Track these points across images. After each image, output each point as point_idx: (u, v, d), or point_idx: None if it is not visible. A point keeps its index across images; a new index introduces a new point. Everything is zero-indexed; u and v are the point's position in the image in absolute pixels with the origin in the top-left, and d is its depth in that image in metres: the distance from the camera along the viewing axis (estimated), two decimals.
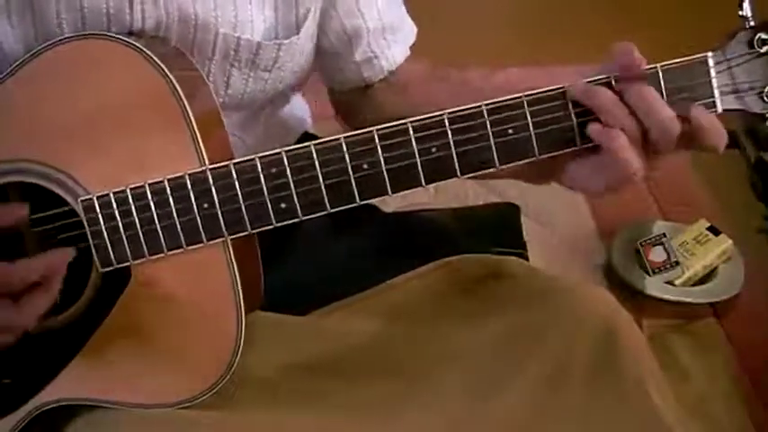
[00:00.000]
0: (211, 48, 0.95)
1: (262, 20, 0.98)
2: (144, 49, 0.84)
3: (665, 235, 1.89)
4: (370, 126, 1.09)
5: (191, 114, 0.84)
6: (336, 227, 1.07)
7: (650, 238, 1.89)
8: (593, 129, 0.82)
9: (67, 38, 0.86)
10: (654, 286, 1.83)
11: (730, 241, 1.89)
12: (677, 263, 1.86)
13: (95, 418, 0.91)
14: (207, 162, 0.84)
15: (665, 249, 1.87)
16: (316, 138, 1.17)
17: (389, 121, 1.07)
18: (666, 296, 1.82)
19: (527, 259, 1.18)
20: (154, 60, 0.84)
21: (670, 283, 1.85)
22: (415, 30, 1.13)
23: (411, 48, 1.12)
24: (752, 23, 0.82)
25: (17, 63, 0.87)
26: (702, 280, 1.88)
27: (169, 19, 0.92)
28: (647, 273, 1.85)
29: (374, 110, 1.10)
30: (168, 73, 0.84)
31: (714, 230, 1.91)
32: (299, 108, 1.22)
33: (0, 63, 0.90)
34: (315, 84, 1.14)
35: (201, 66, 0.95)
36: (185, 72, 0.88)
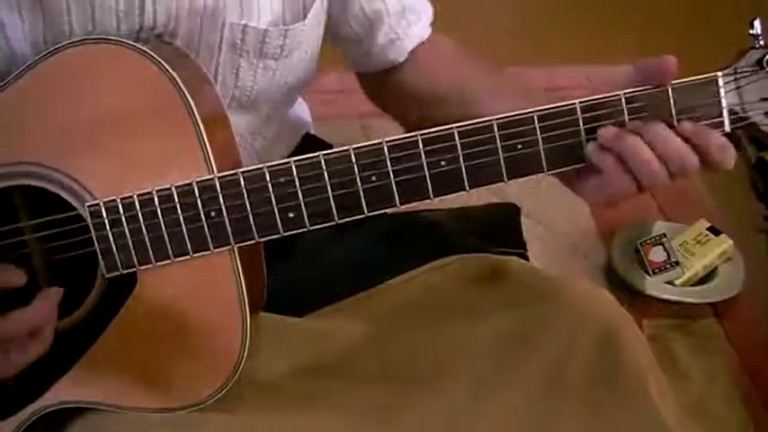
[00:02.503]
0: (219, 39, 0.95)
1: (268, 7, 0.97)
2: (152, 54, 0.84)
3: (665, 235, 1.90)
4: (398, 106, 1.10)
5: (199, 120, 0.84)
6: (337, 227, 1.07)
7: (650, 238, 1.90)
8: (591, 150, 0.83)
9: (75, 41, 0.85)
10: (654, 286, 1.84)
11: (730, 241, 1.89)
12: (677, 263, 1.86)
13: (97, 420, 0.91)
14: (215, 169, 0.84)
15: (665, 249, 1.88)
16: (318, 140, 1.18)
17: (413, 99, 1.08)
18: (666, 296, 1.83)
19: (527, 259, 1.18)
20: (162, 65, 0.84)
21: (670, 283, 1.86)
22: (431, 9, 1.13)
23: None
24: (762, 42, 0.82)
25: (25, 66, 0.86)
26: (702, 280, 1.88)
27: (180, 11, 0.92)
28: (647, 273, 1.86)
29: (397, 90, 1.11)
30: (176, 78, 0.84)
31: (714, 230, 1.91)
32: (300, 109, 1.22)
33: (8, 62, 0.90)
34: (316, 83, 1.14)
35: (210, 59, 0.95)
36: (192, 75, 0.88)
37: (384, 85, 1.12)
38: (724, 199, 2.06)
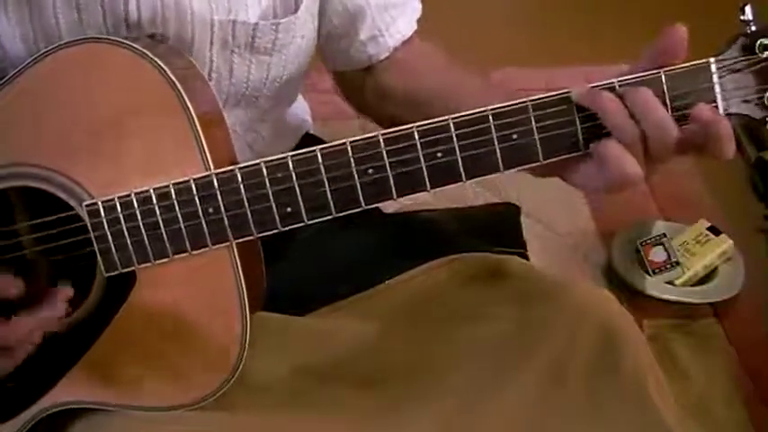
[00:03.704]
0: (209, 37, 0.95)
1: (258, 1, 0.97)
2: (147, 52, 0.84)
3: (665, 235, 1.90)
4: (374, 107, 1.09)
5: (195, 117, 0.84)
6: (337, 227, 1.07)
7: (650, 238, 1.90)
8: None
9: (70, 42, 0.86)
10: (654, 286, 1.84)
11: (730, 241, 1.89)
12: (677, 263, 1.86)
13: (96, 420, 0.91)
14: (212, 166, 0.84)
15: (666, 249, 1.88)
16: (318, 140, 1.18)
17: (392, 100, 1.07)
18: (666, 296, 1.83)
19: (527, 259, 1.18)
20: (156, 62, 0.84)
21: (670, 283, 1.86)
22: (419, 5, 1.11)
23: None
24: (753, 28, 0.81)
25: (19, 68, 0.87)
26: (702, 280, 1.88)
27: (165, 7, 0.92)
28: (648, 273, 1.86)
29: (376, 90, 1.10)
30: (171, 75, 0.84)
31: (714, 230, 1.91)
32: (300, 109, 1.22)
33: (2, 62, 0.90)
34: (316, 83, 1.14)
35: (203, 56, 0.95)
36: (186, 72, 0.88)
37: (363, 84, 1.11)
38: (724, 199, 2.06)
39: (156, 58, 0.84)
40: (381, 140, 0.83)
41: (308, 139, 1.20)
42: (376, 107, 1.11)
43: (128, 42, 0.85)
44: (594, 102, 0.81)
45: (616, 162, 0.81)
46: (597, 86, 0.82)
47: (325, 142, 1.15)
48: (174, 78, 0.84)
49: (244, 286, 0.87)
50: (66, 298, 0.87)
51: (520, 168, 0.84)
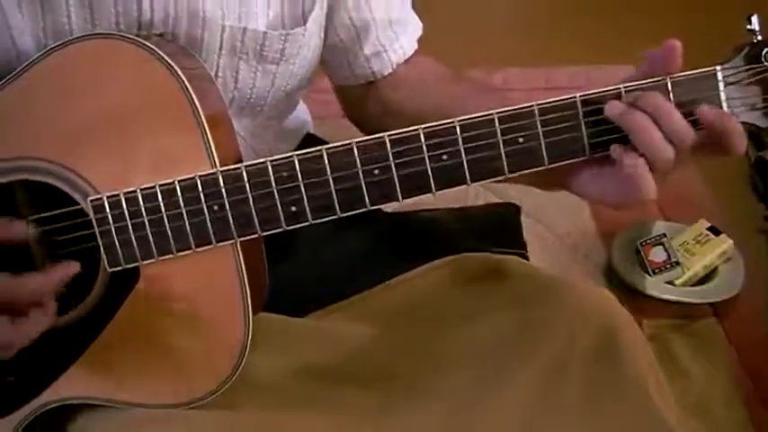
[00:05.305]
0: (218, 41, 0.95)
1: (267, 11, 0.97)
2: (155, 49, 0.84)
3: (665, 235, 1.90)
4: (376, 123, 1.09)
5: (202, 115, 0.84)
6: (337, 226, 1.06)
7: (650, 238, 1.90)
8: (615, 149, 0.83)
9: (78, 37, 0.86)
10: (654, 286, 1.84)
11: (730, 241, 1.89)
12: (677, 263, 1.86)
13: (98, 416, 0.91)
14: (218, 164, 0.84)
15: (666, 249, 1.88)
16: (318, 139, 1.18)
17: (396, 116, 1.07)
18: (666, 296, 1.83)
19: (527, 259, 1.18)
20: (165, 60, 0.84)
21: (670, 283, 1.86)
22: (420, 24, 1.12)
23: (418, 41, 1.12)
24: (759, 38, 0.82)
25: (28, 62, 0.87)
26: (702, 280, 1.88)
27: (178, 8, 0.92)
28: (648, 273, 1.86)
29: (379, 106, 1.10)
30: (179, 72, 0.84)
31: (714, 230, 1.91)
32: (301, 110, 1.22)
33: (9, 54, 0.90)
34: (314, 83, 1.14)
35: (210, 60, 0.95)
36: (194, 72, 0.88)
37: (365, 99, 1.11)
38: (724, 199, 2.06)
39: (165, 56, 0.84)
40: (388, 141, 0.83)
41: (310, 139, 1.20)
42: (377, 122, 1.10)
43: (138, 39, 0.85)
44: (631, 121, 0.82)
45: (640, 180, 0.82)
46: (604, 92, 0.83)
47: (326, 142, 1.16)
48: (182, 75, 0.84)
49: (247, 285, 0.87)
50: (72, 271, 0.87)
51: (525, 173, 0.84)
